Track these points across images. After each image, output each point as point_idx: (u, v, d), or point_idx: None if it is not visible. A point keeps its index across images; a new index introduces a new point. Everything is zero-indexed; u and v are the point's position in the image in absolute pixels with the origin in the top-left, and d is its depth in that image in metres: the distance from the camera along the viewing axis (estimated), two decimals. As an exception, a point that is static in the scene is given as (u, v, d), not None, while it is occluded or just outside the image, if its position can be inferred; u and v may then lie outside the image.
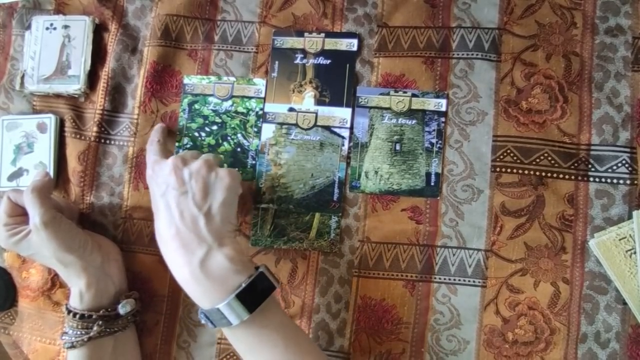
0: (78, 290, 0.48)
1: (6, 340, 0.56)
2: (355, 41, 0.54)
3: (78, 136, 0.56)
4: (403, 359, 0.49)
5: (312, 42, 0.55)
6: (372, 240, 0.51)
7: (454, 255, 0.50)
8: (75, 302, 0.48)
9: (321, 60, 0.54)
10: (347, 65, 0.54)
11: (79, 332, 0.47)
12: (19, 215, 0.49)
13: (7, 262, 0.56)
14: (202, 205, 0.44)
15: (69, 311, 0.48)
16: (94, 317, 0.48)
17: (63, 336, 0.48)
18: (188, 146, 0.55)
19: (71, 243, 0.47)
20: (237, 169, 0.53)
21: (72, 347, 0.47)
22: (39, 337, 0.55)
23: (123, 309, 0.49)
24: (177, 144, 0.55)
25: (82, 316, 0.47)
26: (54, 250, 0.46)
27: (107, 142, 0.56)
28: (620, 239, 0.47)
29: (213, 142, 0.54)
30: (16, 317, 0.56)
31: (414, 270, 0.50)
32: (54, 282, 0.54)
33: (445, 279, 0.50)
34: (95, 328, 0.47)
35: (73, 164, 0.55)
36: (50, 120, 0.56)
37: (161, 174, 0.46)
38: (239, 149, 0.54)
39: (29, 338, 0.55)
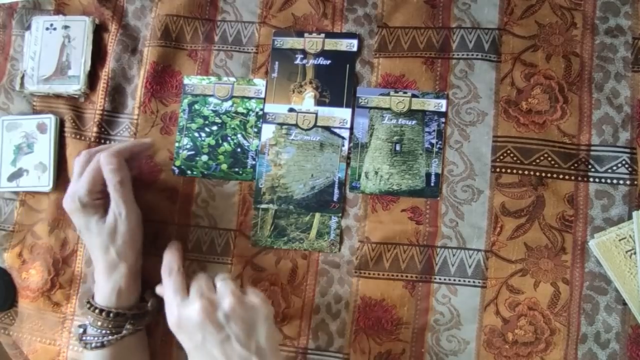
0: (117, 287, 0.47)
1: (6, 340, 0.56)
2: (355, 42, 0.54)
3: (78, 136, 0.56)
4: (403, 360, 0.49)
5: (312, 42, 0.54)
6: (372, 240, 0.51)
7: (454, 255, 0.50)
8: (109, 301, 0.47)
9: (321, 61, 0.54)
10: (347, 65, 0.54)
11: (108, 331, 0.47)
12: (99, 191, 0.47)
13: (7, 263, 0.56)
14: (250, 345, 0.42)
15: (101, 310, 0.47)
16: (127, 315, 0.47)
17: (85, 337, 0.47)
18: (188, 146, 0.55)
19: (137, 241, 0.48)
20: (237, 168, 0.53)
21: (102, 346, 0.46)
22: (39, 337, 0.55)
23: (151, 306, 0.49)
24: (177, 144, 0.55)
25: (116, 314, 0.47)
26: (121, 242, 0.47)
27: (107, 142, 0.56)
28: (620, 240, 0.47)
29: (213, 142, 0.54)
30: (16, 317, 0.56)
31: (413, 271, 0.50)
32: (54, 282, 0.54)
33: (445, 279, 0.50)
34: (128, 326, 0.47)
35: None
36: (50, 120, 0.56)
37: (191, 323, 0.43)
38: (239, 150, 0.54)
39: (29, 338, 0.55)
